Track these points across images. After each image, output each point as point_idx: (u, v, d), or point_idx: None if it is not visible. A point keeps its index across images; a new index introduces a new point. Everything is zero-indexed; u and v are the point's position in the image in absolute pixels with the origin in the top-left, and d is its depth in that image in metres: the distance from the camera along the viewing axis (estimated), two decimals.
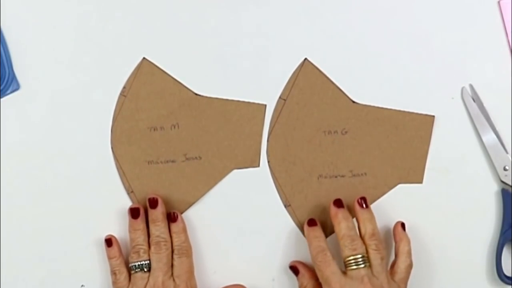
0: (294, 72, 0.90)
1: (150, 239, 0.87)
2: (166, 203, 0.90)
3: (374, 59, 0.91)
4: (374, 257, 0.84)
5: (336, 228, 0.86)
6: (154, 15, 0.90)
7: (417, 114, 0.90)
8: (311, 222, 0.88)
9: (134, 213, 0.88)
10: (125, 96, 0.90)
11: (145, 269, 0.86)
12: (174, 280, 0.86)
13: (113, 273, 0.88)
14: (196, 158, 0.91)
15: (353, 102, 0.90)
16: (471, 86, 0.91)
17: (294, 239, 0.92)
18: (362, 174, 0.91)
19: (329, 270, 0.84)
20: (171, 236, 0.88)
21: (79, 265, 0.91)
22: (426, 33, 0.91)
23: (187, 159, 0.91)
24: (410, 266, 0.87)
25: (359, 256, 0.83)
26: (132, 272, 0.87)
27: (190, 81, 0.90)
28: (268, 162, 0.91)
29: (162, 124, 0.90)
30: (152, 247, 0.87)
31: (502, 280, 0.90)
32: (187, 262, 0.88)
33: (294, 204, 0.91)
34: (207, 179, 0.91)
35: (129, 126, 0.90)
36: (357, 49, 0.90)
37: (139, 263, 0.86)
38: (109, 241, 0.89)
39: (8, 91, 0.90)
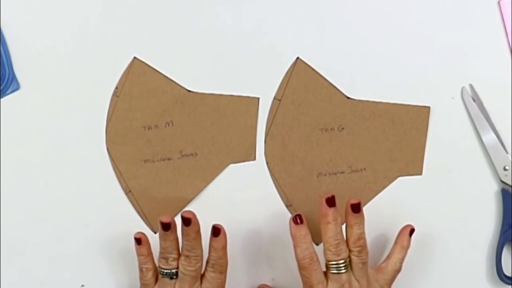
0: (287, 72, 0.90)
1: (182, 249, 0.85)
2: (165, 201, 0.90)
3: (373, 59, 0.90)
4: (356, 262, 0.83)
5: (323, 228, 0.84)
6: (143, 14, 0.91)
7: (412, 106, 0.90)
8: (297, 219, 0.86)
9: (165, 227, 0.84)
10: (117, 96, 0.90)
11: (173, 277, 0.84)
12: None
13: (140, 269, 0.86)
14: (192, 154, 0.91)
15: (348, 98, 0.91)
16: (471, 86, 0.91)
17: None
18: (361, 170, 0.91)
19: (315, 279, 0.83)
20: (209, 250, 0.85)
21: (79, 265, 0.92)
22: (425, 33, 0.91)
23: (183, 156, 0.91)
24: (398, 271, 0.87)
25: (342, 261, 0.83)
26: (160, 275, 0.85)
27: (182, 78, 0.90)
28: (267, 163, 0.91)
29: (156, 123, 0.91)
30: (182, 258, 0.84)
31: (502, 280, 0.90)
32: (220, 278, 0.86)
33: (295, 203, 0.91)
34: (204, 175, 0.91)
35: (123, 126, 0.91)
36: (354, 50, 0.90)
37: (167, 270, 0.84)
38: (138, 240, 0.86)
39: (8, 91, 0.90)
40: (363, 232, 0.84)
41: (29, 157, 0.91)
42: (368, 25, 0.91)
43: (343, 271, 0.83)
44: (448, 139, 0.91)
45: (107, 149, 0.91)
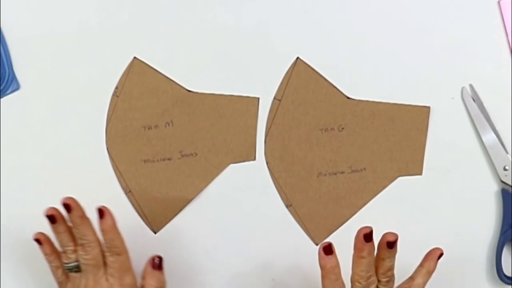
0: (287, 72, 0.90)
1: (77, 240, 0.83)
2: (165, 201, 0.90)
3: (373, 59, 0.91)
4: None
5: (356, 261, 0.78)
6: (143, 15, 0.91)
7: (412, 106, 0.90)
8: (328, 250, 0.78)
9: (50, 220, 0.82)
10: (117, 96, 0.91)
11: (76, 269, 0.82)
12: (107, 279, 0.82)
13: (50, 268, 0.85)
14: (192, 154, 0.91)
15: (348, 98, 0.91)
16: (471, 86, 0.91)
17: (295, 238, 0.92)
18: (361, 170, 0.91)
19: None
20: (101, 233, 0.82)
21: None
22: (425, 33, 0.91)
23: (183, 156, 0.91)
24: None
25: None
26: (67, 270, 0.84)
27: (182, 78, 0.91)
28: (267, 163, 0.91)
29: (156, 123, 0.91)
30: (79, 248, 0.82)
31: (502, 280, 0.90)
32: (120, 259, 0.82)
33: (295, 203, 0.91)
34: (204, 175, 0.91)
35: (124, 126, 0.91)
36: (354, 50, 0.91)
37: (67, 265, 0.83)
38: (38, 241, 0.85)
39: (8, 91, 0.90)
40: (394, 264, 0.80)
41: (29, 157, 0.91)
42: (368, 25, 0.91)
43: None
44: (448, 139, 0.91)
45: (107, 149, 0.91)
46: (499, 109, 0.91)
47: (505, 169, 0.90)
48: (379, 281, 0.80)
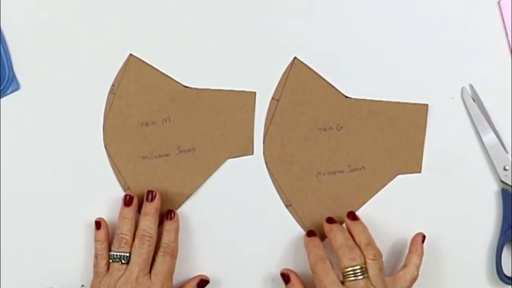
0: (284, 72, 0.90)
1: (137, 231, 0.87)
2: (164, 197, 0.90)
3: (372, 59, 0.91)
4: (373, 267, 0.83)
5: (333, 241, 0.86)
6: (138, 11, 0.91)
7: (410, 104, 0.90)
8: (310, 233, 0.89)
9: (127, 200, 0.88)
10: (114, 93, 0.91)
11: (123, 261, 0.85)
12: (150, 277, 0.85)
13: (95, 256, 0.87)
14: (189, 150, 0.91)
15: (346, 97, 0.91)
16: (471, 86, 0.91)
17: (295, 239, 0.92)
18: (360, 168, 0.91)
19: (328, 280, 0.84)
20: (161, 234, 0.88)
21: (79, 265, 0.91)
22: (425, 32, 0.91)
23: (181, 152, 0.91)
24: (415, 278, 0.87)
25: (358, 267, 0.83)
26: (111, 261, 0.86)
27: (178, 74, 0.90)
28: (266, 163, 0.91)
29: (153, 119, 0.91)
30: (136, 240, 0.86)
31: (502, 280, 0.90)
32: (170, 262, 0.87)
33: (295, 203, 0.91)
34: (202, 171, 0.91)
35: (121, 123, 0.91)
36: (352, 49, 0.91)
37: (117, 253, 0.86)
38: (98, 224, 0.89)
39: (8, 91, 0.90)
40: (371, 237, 0.86)
41: (29, 157, 0.91)
42: (367, 24, 0.91)
43: (360, 277, 0.83)
44: (448, 139, 0.91)
45: (105, 146, 0.91)
46: (499, 109, 0.91)
47: (505, 169, 0.90)
48: (366, 256, 0.84)
